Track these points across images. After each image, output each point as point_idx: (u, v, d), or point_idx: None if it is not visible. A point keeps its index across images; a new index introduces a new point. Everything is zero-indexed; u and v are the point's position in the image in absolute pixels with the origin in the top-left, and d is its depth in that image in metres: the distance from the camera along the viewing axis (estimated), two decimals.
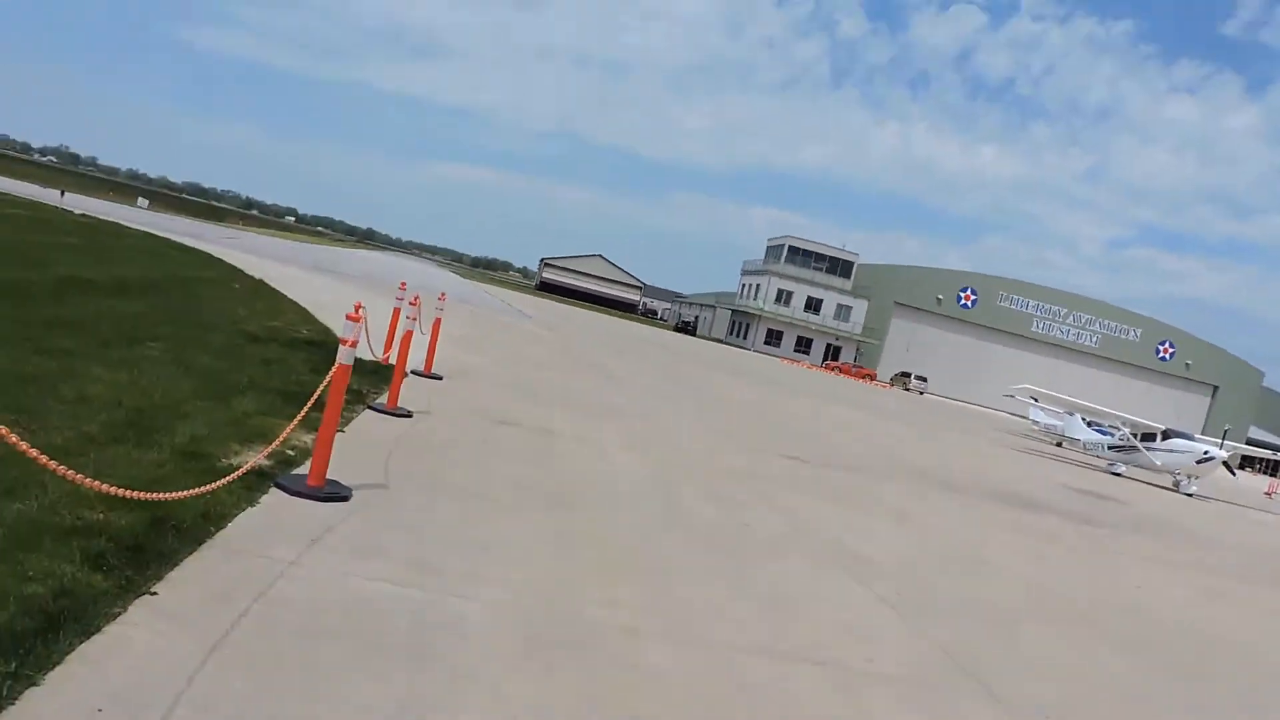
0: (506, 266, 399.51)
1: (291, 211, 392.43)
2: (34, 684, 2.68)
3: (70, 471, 2.84)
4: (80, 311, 9.42)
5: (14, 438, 2.25)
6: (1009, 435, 36.54)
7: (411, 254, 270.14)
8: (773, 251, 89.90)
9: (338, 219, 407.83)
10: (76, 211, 28.48)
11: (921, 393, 71.37)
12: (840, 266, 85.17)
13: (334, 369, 5.08)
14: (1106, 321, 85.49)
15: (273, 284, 19.40)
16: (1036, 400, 35.06)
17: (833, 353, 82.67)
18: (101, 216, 28.99)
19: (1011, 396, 37.61)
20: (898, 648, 5.10)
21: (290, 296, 17.37)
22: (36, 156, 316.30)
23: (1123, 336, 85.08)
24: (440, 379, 11.30)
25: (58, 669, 2.79)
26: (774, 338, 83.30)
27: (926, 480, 13.52)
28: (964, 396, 79.87)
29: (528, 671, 3.67)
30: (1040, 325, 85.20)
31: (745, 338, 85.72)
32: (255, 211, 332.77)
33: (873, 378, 72.87)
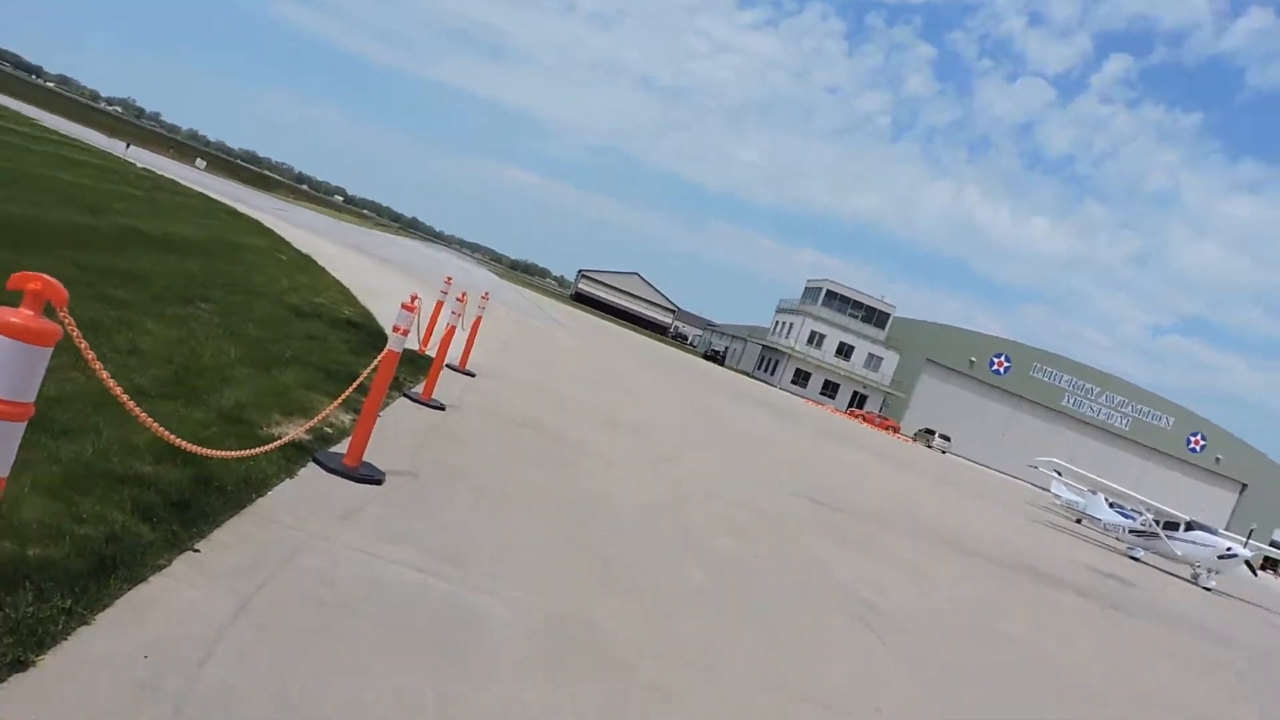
0: (544, 273, 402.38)
1: (341, 191, 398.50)
2: (85, 623, 2.78)
3: (150, 420, 2.95)
4: (136, 264, 9.64)
5: (105, 374, 2.35)
6: (1029, 506, 36.13)
7: (452, 248, 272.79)
8: (810, 293, 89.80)
9: (385, 204, 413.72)
10: (139, 165, 29.06)
11: (944, 451, 70.76)
12: (876, 316, 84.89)
13: (383, 354, 5.19)
14: (1139, 405, 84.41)
15: (318, 260, 19.69)
16: (1060, 474, 34.66)
17: (859, 400, 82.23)
18: (161, 173, 29.58)
19: (1036, 467, 37.22)
20: (906, 701, 5.09)
21: (334, 275, 17.62)
22: (104, 105, 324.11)
23: (1154, 422, 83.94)
24: (473, 376, 11.43)
25: (107, 611, 2.89)
26: (801, 378, 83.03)
27: (944, 539, 13.43)
28: (986, 461, 79.09)
29: (545, 673, 3.73)
30: (1071, 400, 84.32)
31: (773, 373, 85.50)
32: (306, 186, 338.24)
33: (896, 430, 72.39)
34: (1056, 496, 35.40)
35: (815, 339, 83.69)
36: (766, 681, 4.59)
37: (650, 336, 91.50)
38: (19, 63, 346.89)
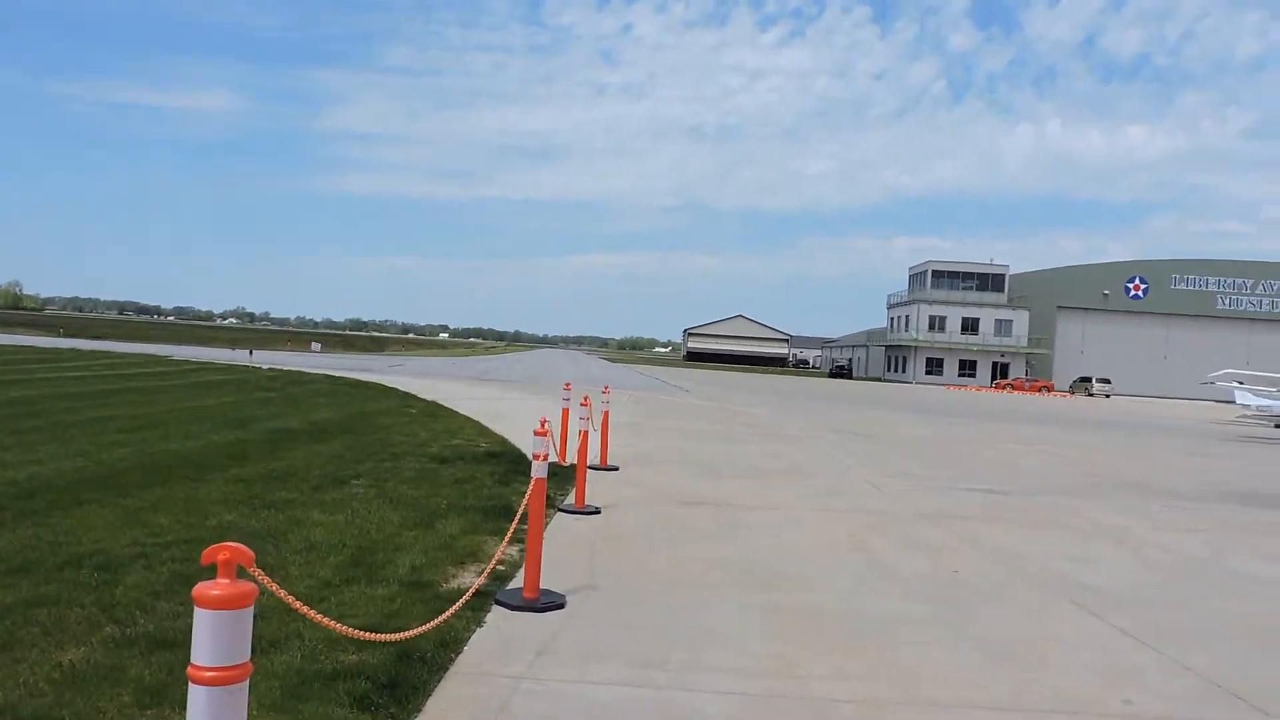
0: (651, 344, 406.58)
1: (444, 328, 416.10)
2: None
3: (325, 619, 3.10)
4: (290, 461, 10.26)
5: (276, 586, 2.51)
6: (1218, 426, 33.60)
7: (560, 347, 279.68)
8: (916, 279, 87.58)
9: (487, 327, 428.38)
10: (264, 367, 31.12)
11: (1107, 395, 66.85)
12: (991, 281, 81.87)
13: (531, 484, 5.33)
14: None
15: (444, 402, 20.50)
16: (1241, 384, 32.18)
17: (1001, 370, 78.97)
18: (286, 368, 31.58)
19: (1211, 383, 34.70)
20: (1157, 683, 4.74)
21: (462, 412, 18.29)
22: (219, 321, 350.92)
23: None
24: (617, 469, 11.58)
25: None
26: (934, 366, 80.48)
27: (1138, 492, 12.61)
28: (1154, 392, 74.25)
29: None
30: (1226, 301, 78.72)
31: (904, 371, 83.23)
32: (412, 335, 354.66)
33: (1049, 389, 68.96)
34: (1245, 406, 32.78)
35: (936, 323, 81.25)
36: (1002, 703, 4.36)
37: (771, 372, 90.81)
38: (139, 307, 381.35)
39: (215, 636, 1.99)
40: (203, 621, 2.02)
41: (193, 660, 2.05)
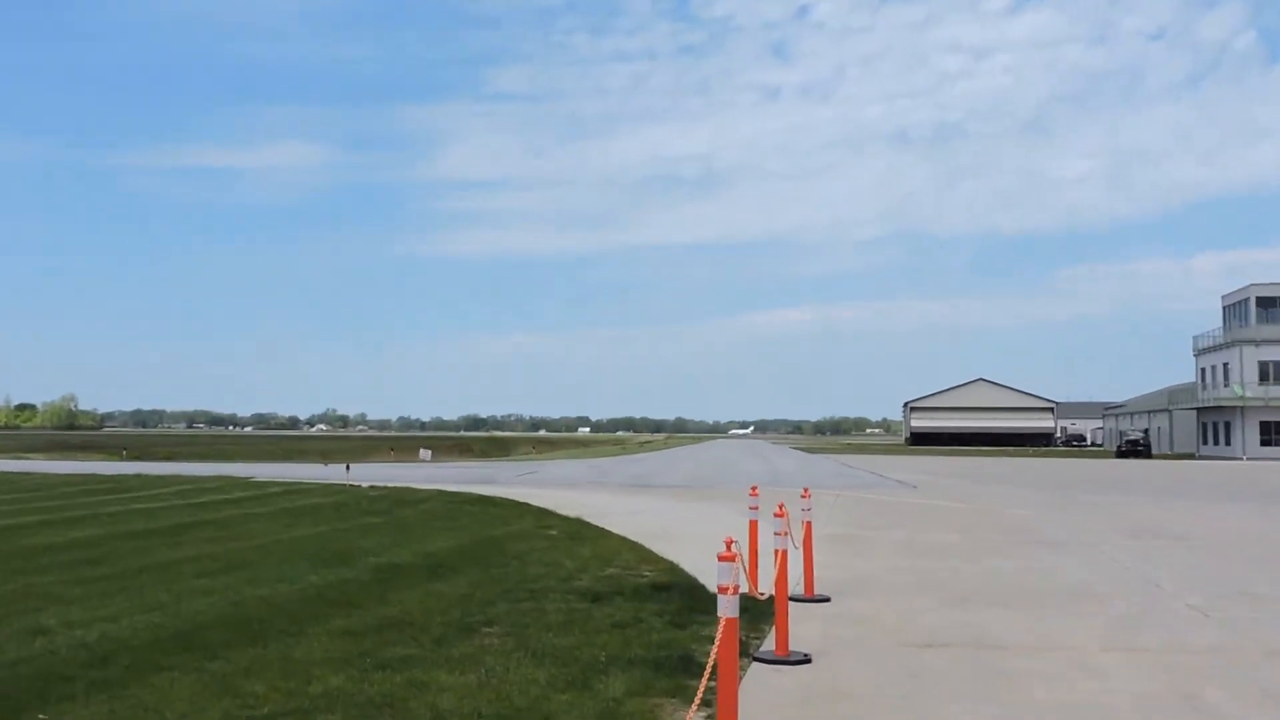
0: (860, 425, 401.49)
1: (584, 421, 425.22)
2: None
3: None
4: (405, 606, 10.72)
5: None
6: None
7: (736, 437, 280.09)
8: (1234, 311, 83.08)
9: (639, 416, 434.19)
10: (365, 484, 32.70)
11: None
12: None
13: (720, 627, 5.36)
14: None
15: (591, 519, 20.90)
16: None
17: None
18: (391, 484, 33.08)
19: None
20: None
21: (616, 531, 18.60)
22: (306, 429, 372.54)
23: None
24: (828, 600, 11.45)
25: None
26: (1274, 433, 75.47)
27: None
28: None
29: None
30: None
31: (1227, 443, 78.57)
32: (543, 431, 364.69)
33: None
34: None
35: (1270, 371, 76.51)
36: None
37: (1030, 455, 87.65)
38: (211, 417, 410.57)
39: None
40: None
41: None
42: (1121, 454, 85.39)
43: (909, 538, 18.80)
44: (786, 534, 9.21)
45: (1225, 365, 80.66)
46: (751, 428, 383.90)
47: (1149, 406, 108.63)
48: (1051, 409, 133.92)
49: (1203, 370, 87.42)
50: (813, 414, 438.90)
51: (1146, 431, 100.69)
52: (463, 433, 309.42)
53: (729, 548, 5.69)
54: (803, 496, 13.17)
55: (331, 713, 6.80)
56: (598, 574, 13.25)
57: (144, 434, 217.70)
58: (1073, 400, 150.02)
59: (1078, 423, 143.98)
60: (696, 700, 5.42)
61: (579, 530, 19.01)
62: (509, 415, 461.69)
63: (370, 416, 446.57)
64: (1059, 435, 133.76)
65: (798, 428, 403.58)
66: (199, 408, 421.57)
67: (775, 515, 9.79)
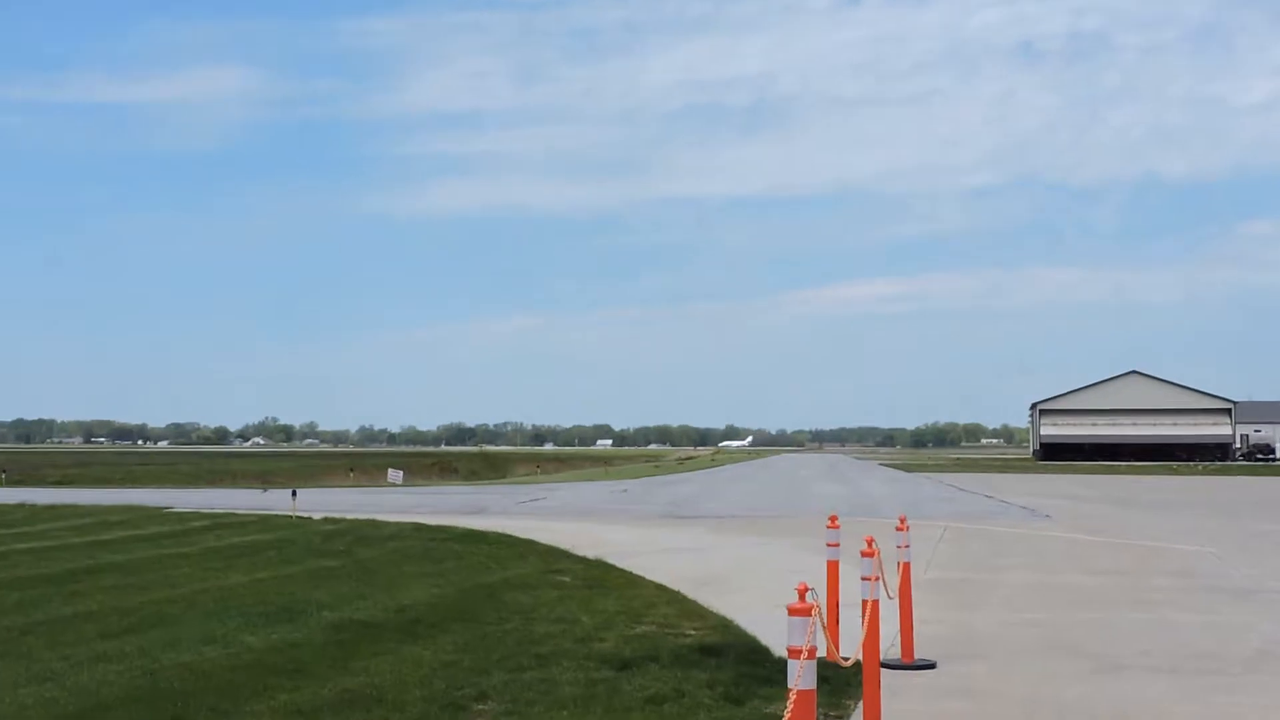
0: (971, 434, 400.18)
1: (604, 432, 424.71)
2: None
3: None
4: (371, 675, 10.73)
5: None
6: None
7: (807, 449, 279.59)
8: None
9: (677, 424, 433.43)
10: (317, 515, 32.77)
11: None
12: None
13: (791, 702, 5.33)
14: None
15: (615, 560, 20.86)
16: None
17: None
18: (348, 515, 33.18)
19: None
20: None
21: (648, 577, 18.54)
22: (239, 444, 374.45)
23: None
24: (933, 666, 11.39)
25: None
26: None
27: None
28: None
29: None
30: None
31: None
32: (550, 444, 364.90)
33: None
34: None
35: None
36: None
37: (1200, 473, 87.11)
38: (115, 429, 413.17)
39: None
40: None
41: None
42: None
43: (1040, 582, 18.69)
44: (877, 579, 9.18)
45: None
46: (750, 438, 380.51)
47: None
48: (1229, 410, 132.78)
49: None
50: (908, 421, 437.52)
51: None
52: (444, 447, 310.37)
53: (802, 597, 5.65)
54: (899, 529, 13.12)
55: None
56: (625, 633, 13.21)
57: (28, 450, 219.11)
58: (1257, 399, 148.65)
59: (1264, 429, 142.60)
60: None
61: (600, 576, 18.99)
62: (504, 424, 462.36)
63: (322, 427, 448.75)
64: (1239, 445, 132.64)
65: (889, 438, 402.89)
66: (99, 417, 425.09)
67: (863, 555, 9.77)
